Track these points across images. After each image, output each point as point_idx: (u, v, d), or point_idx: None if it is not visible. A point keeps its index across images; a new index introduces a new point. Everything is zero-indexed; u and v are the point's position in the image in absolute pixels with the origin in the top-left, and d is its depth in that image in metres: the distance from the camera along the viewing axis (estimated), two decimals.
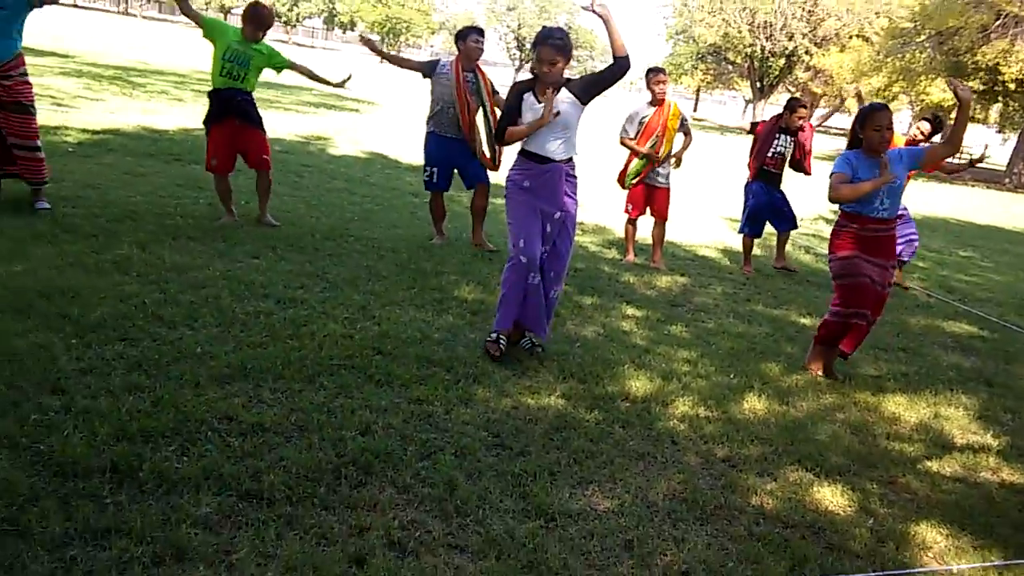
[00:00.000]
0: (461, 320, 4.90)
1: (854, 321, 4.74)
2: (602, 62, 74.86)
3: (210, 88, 6.16)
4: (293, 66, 6.34)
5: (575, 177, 4.48)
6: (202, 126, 6.37)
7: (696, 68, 48.32)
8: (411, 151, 12.53)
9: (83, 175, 7.05)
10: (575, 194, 4.49)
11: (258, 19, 6.08)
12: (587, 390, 4.12)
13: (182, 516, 2.59)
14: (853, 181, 4.54)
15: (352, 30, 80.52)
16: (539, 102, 4.28)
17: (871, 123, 4.54)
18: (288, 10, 74.69)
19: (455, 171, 6.76)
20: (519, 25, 67.52)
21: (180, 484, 2.77)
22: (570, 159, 4.42)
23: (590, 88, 4.35)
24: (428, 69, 6.63)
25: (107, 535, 2.46)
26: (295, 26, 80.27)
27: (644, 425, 3.83)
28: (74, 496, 2.63)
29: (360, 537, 2.65)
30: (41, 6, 5.55)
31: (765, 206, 7.50)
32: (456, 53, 6.61)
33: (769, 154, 7.39)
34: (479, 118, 6.59)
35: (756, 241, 7.77)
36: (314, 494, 2.84)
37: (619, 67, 4.22)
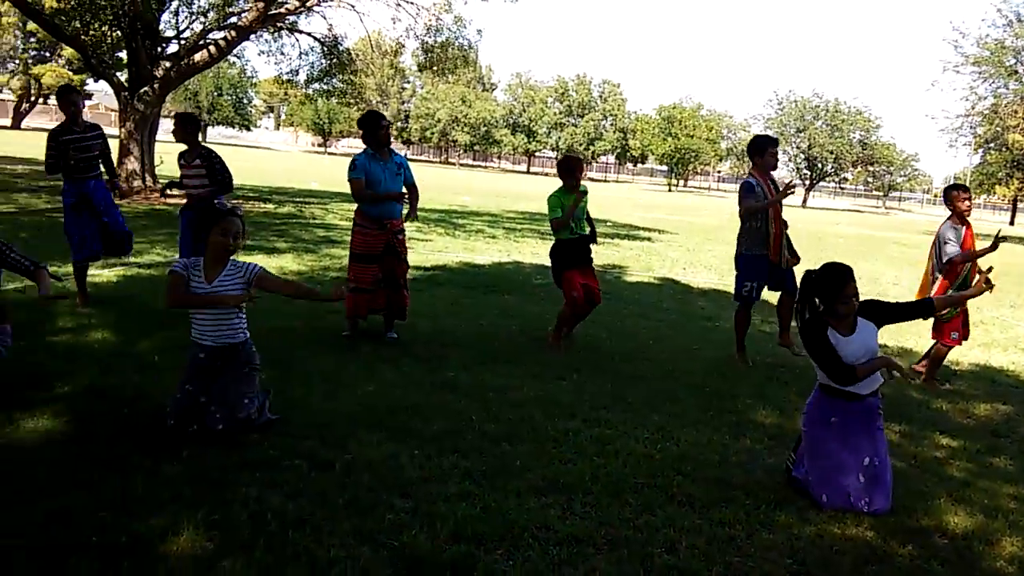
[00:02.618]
0: (759, 444, 4.94)
1: None
2: (902, 176, 70.44)
3: (555, 241, 7.07)
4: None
5: (882, 411, 4.34)
6: (547, 262, 7.38)
7: (1011, 176, 43.82)
8: (702, 277, 12.77)
9: (418, 306, 8.12)
10: (882, 426, 4.33)
11: (571, 171, 6.91)
12: (898, 522, 3.95)
13: None
14: None
15: (643, 163, 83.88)
16: (840, 333, 4.19)
17: None
18: (584, 149, 79.90)
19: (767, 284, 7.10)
20: (809, 145, 66.09)
21: None
22: (877, 390, 4.29)
23: (889, 316, 4.31)
24: (745, 193, 7.02)
25: None
26: (591, 163, 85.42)
27: (965, 564, 3.59)
28: None
29: None
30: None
31: None
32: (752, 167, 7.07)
33: None
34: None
35: None
36: None
37: (926, 310, 4.39)
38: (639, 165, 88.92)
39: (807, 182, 68.17)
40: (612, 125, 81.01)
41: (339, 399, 5.08)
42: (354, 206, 6.92)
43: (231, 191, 7.42)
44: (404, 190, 6.88)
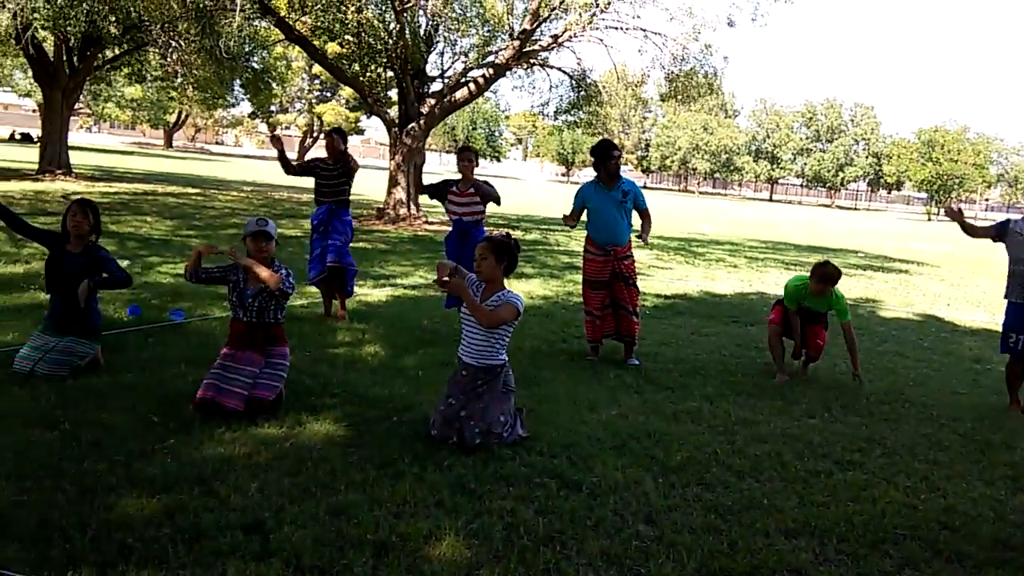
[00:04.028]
0: None
1: None
2: None
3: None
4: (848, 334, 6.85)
5: None
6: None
7: None
8: (969, 314, 11.66)
9: (659, 334, 8.17)
10: None
11: (827, 278, 6.62)
12: None
13: None
14: None
15: (898, 190, 78.06)
16: None
17: None
18: (833, 175, 75.73)
19: None
20: None
21: None
22: None
23: None
24: (998, 232, 6.47)
25: None
26: (839, 190, 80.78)
27: None
28: None
29: None
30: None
31: None
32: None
33: None
34: None
35: None
36: None
37: None
38: (893, 192, 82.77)
39: None
40: (864, 150, 76.20)
41: (584, 421, 5.23)
42: None
43: (498, 202, 7.60)
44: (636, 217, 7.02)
